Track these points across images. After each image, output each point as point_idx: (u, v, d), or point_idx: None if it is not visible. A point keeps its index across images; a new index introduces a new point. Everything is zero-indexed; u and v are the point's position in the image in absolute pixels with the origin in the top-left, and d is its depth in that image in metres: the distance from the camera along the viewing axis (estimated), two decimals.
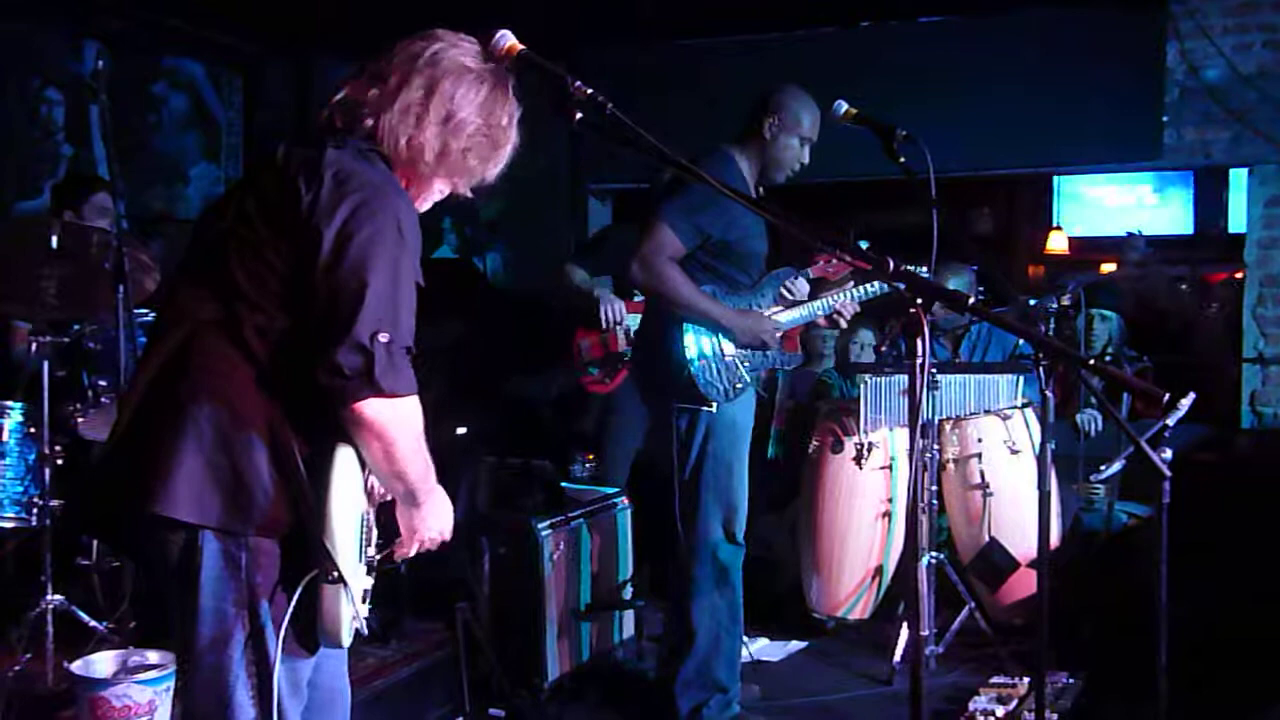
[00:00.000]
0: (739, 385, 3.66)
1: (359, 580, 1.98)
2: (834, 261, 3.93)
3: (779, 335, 3.74)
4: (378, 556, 2.10)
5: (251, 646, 1.89)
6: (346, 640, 1.96)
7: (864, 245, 2.03)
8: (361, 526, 1.98)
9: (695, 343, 3.62)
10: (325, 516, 1.86)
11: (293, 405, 1.87)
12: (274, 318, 1.87)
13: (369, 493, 2.05)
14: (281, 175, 1.91)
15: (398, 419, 1.86)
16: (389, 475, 1.95)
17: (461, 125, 1.98)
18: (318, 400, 1.83)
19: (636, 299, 5.14)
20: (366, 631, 2.00)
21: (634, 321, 5.08)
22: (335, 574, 1.87)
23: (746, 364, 3.68)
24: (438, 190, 2.08)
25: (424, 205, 2.09)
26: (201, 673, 1.90)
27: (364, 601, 2.00)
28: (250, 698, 1.89)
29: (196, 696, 1.93)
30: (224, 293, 1.88)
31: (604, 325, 5.09)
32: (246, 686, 1.89)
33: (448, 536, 2.14)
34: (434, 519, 2.09)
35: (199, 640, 1.88)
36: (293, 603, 1.88)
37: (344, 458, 1.90)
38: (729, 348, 3.65)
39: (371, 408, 1.82)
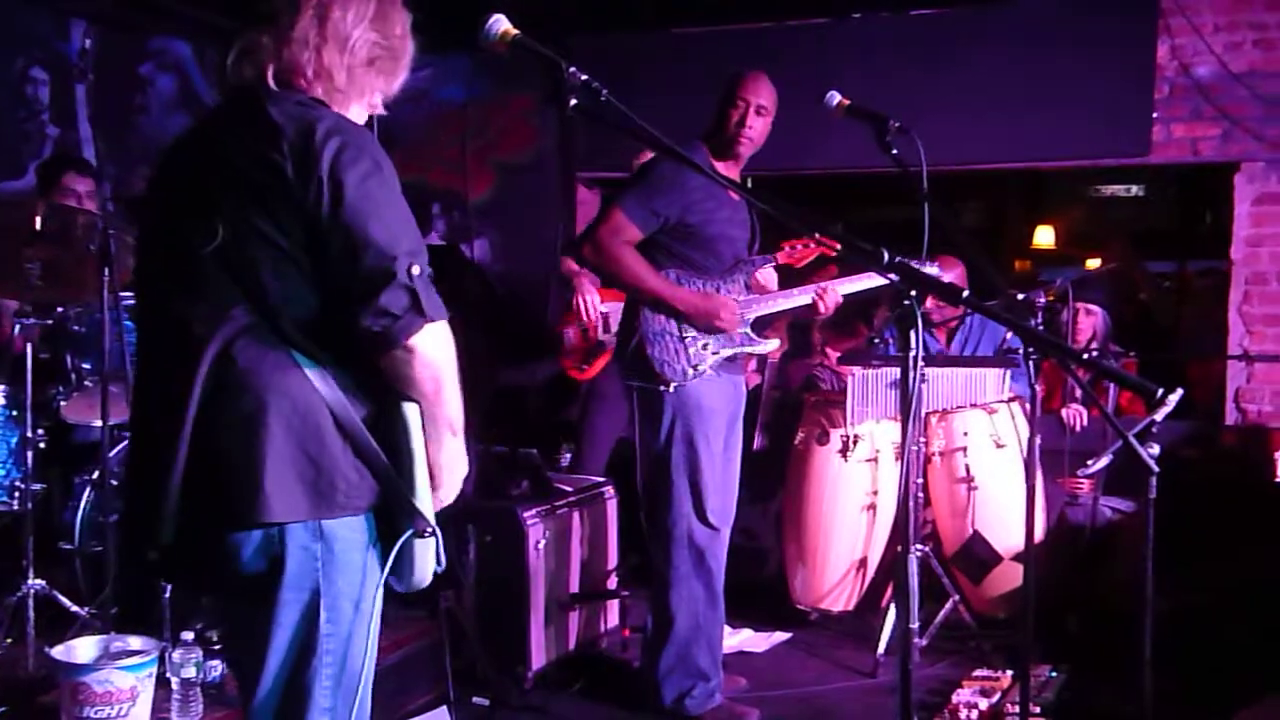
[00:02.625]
0: (699, 365, 3.65)
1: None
2: (799, 248, 3.91)
3: (744, 319, 3.71)
4: None
5: (332, 631, 1.89)
6: (428, 580, 1.98)
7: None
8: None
9: (650, 319, 3.63)
10: (412, 476, 1.89)
11: (347, 381, 1.87)
12: (307, 305, 1.86)
13: None
14: (244, 158, 1.86)
15: (445, 342, 1.87)
16: (439, 408, 1.94)
17: (358, 44, 1.99)
18: (367, 369, 1.85)
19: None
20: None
21: (608, 308, 5.12)
22: (429, 530, 1.89)
23: (707, 345, 3.67)
24: (356, 113, 2.06)
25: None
26: (280, 659, 1.89)
27: None
28: (326, 688, 1.90)
29: (280, 691, 1.91)
30: (248, 296, 1.85)
31: (580, 313, 5.11)
32: (329, 668, 1.90)
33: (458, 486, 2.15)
34: (459, 468, 2.07)
35: (279, 630, 1.88)
36: (386, 569, 1.90)
37: (409, 416, 1.90)
38: (688, 329, 3.65)
39: (423, 340, 1.82)
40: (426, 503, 1.92)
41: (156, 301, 1.99)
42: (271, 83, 1.94)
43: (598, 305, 5.14)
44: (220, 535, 1.85)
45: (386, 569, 1.91)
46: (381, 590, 1.93)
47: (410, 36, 2.07)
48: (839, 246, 1.83)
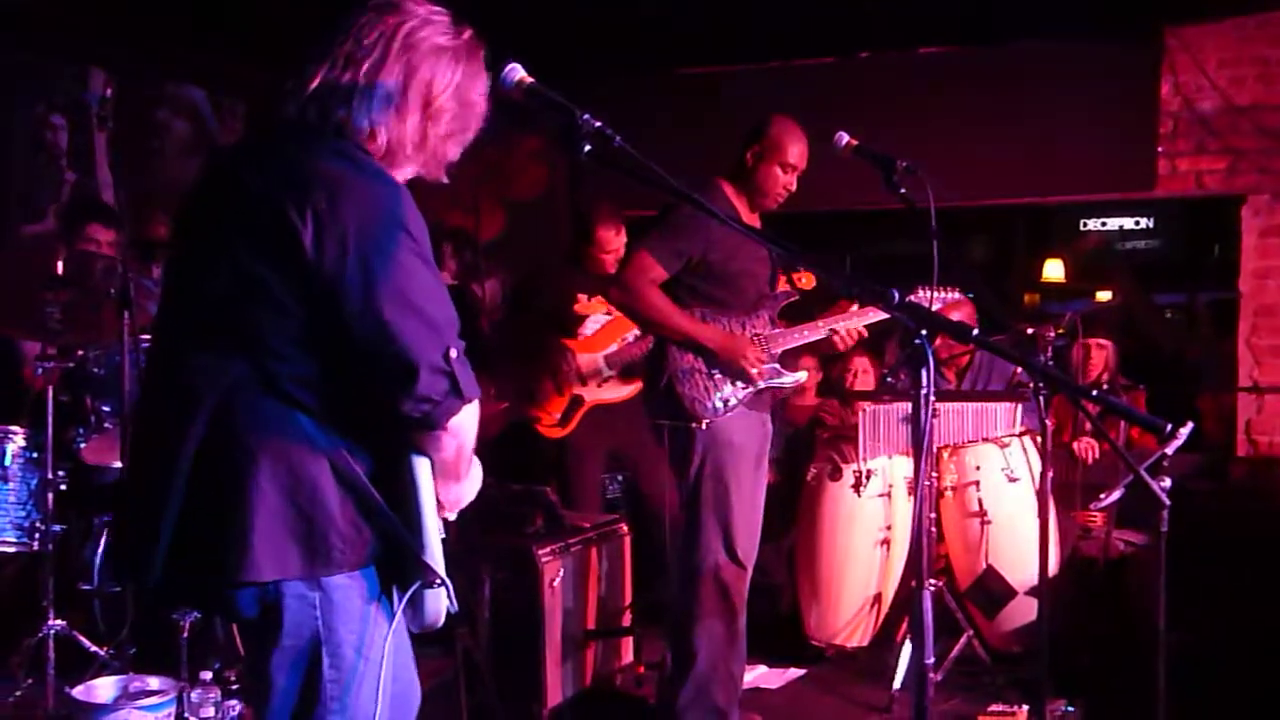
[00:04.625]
0: (729, 401, 3.67)
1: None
2: (803, 277, 3.93)
3: (771, 355, 3.72)
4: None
5: (336, 678, 1.87)
6: (441, 621, 1.97)
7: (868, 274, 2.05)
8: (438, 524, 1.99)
9: (679, 356, 3.66)
10: (421, 529, 1.88)
11: (350, 440, 1.84)
12: (306, 365, 1.81)
13: None
14: (265, 206, 1.80)
15: (472, 417, 1.88)
16: (455, 466, 1.96)
17: (440, 112, 1.95)
18: (373, 429, 1.84)
19: (583, 336, 5.02)
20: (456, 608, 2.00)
21: (580, 360, 4.99)
22: (438, 581, 1.88)
23: (737, 382, 3.69)
24: (410, 174, 2.02)
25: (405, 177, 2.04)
26: (287, 710, 1.88)
27: None
28: None
29: None
30: (248, 349, 1.81)
31: (559, 366, 4.97)
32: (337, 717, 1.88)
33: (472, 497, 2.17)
34: (473, 487, 2.10)
35: (283, 679, 1.87)
36: (394, 621, 1.88)
37: (419, 470, 1.89)
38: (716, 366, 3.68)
39: (458, 419, 1.84)
40: (436, 553, 1.90)
41: (164, 343, 1.98)
42: (330, 126, 1.88)
43: (572, 357, 4.97)
44: (220, 584, 1.82)
45: (395, 621, 1.89)
46: (392, 641, 1.89)
47: (484, 102, 2.02)
48: (855, 296, 1.85)
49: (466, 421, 1.86)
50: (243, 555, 1.76)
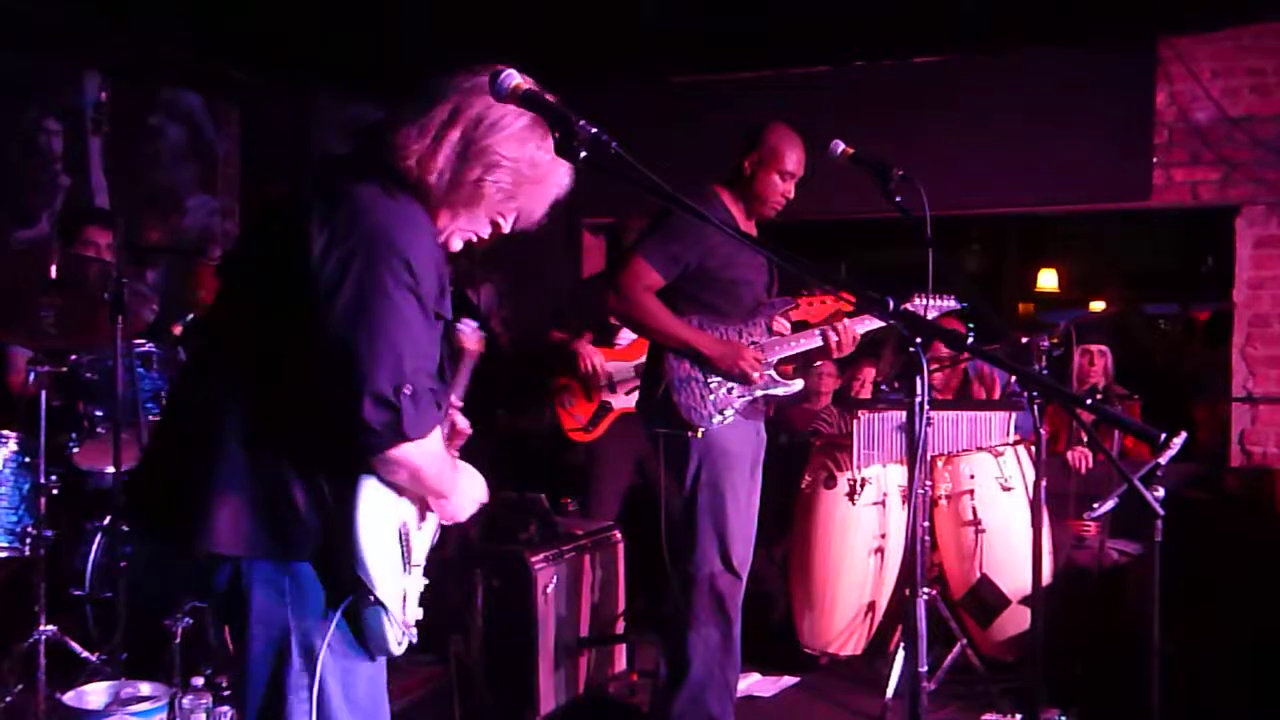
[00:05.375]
0: (724, 410, 3.67)
1: (410, 584, 2.04)
2: (815, 304, 3.92)
3: (768, 362, 3.73)
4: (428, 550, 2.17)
5: (305, 667, 1.92)
6: (397, 650, 2.01)
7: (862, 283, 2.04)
8: (401, 541, 2.02)
9: (675, 365, 3.65)
10: (354, 548, 1.90)
11: (317, 445, 1.89)
12: (298, 368, 1.88)
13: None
14: (294, 221, 1.89)
15: (424, 454, 1.89)
16: (415, 491, 2.02)
17: (482, 153, 1.95)
18: (340, 441, 1.87)
19: (618, 345, 5.17)
20: (415, 640, 2.04)
21: (612, 368, 5.13)
22: (372, 598, 1.92)
23: (732, 390, 3.69)
24: (463, 226, 2.03)
25: (454, 243, 2.06)
26: (259, 694, 1.93)
27: (417, 605, 2.08)
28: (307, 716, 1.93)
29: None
30: (254, 345, 1.92)
31: (586, 372, 5.14)
32: (304, 705, 1.92)
33: (483, 500, 2.23)
34: (465, 501, 2.16)
35: (253, 663, 1.93)
36: (332, 625, 1.92)
37: (369, 490, 1.93)
38: (712, 374, 3.68)
39: (401, 451, 1.85)
40: (379, 569, 1.92)
41: (197, 348, 2.12)
42: (380, 158, 1.94)
43: (603, 364, 5.16)
44: (188, 551, 1.91)
45: (328, 635, 1.92)
46: (327, 643, 1.92)
47: (556, 165, 2.00)
48: (855, 300, 1.85)
49: (416, 455, 1.88)
50: (204, 527, 1.86)
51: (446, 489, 2.07)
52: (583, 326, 5.25)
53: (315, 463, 1.89)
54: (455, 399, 2.30)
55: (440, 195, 1.97)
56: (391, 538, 1.98)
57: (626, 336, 5.16)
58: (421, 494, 2.05)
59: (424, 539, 2.13)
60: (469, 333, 2.53)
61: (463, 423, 2.26)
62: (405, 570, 2.03)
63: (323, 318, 1.82)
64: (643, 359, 5.02)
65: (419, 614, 2.08)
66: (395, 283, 1.83)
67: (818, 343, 3.81)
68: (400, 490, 1.99)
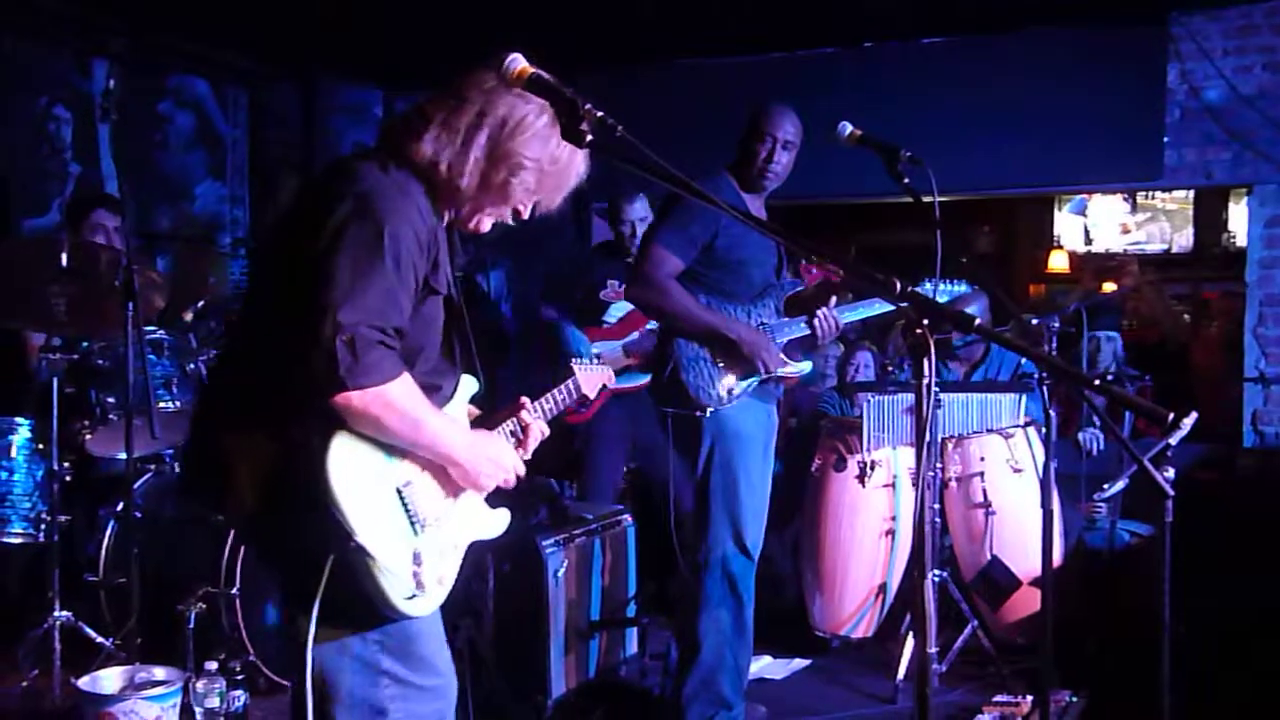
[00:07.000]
0: (734, 390, 3.66)
1: (423, 545, 2.07)
2: (814, 270, 3.91)
3: (778, 344, 3.71)
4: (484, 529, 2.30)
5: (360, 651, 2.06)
6: (407, 606, 2.03)
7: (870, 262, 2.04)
8: (401, 500, 2.05)
9: (684, 345, 3.64)
10: (327, 493, 1.92)
11: (300, 403, 1.95)
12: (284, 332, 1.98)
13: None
14: (303, 202, 2.04)
15: (380, 405, 1.93)
16: (391, 443, 2.03)
17: (507, 156, 2.05)
18: (298, 389, 1.95)
19: (605, 324, 5.14)
20: (422, 592, 2.05)
21: (600, 347, 5.09)
22: (352, 544, 1.94)
23: (739, 372, 3.67)
24: (489, 214, 2.15)
25: (484, 225, 2.17)
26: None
27: (450, 569, 2.15)
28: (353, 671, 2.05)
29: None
30: (268, 320, 2.02)
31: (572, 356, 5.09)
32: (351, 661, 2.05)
33: (519, 472, 2.29)
34: (482, 468, 2.18)
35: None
36: (324, 578, 1.96)
37: (341, 438, 1.96)
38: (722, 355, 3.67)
39: (349, 400, 1.90)
40: (365, 521, 1.95)
41: (232, 333, 2.23)
42: (394, 147, 2.05)
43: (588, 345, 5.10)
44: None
45: (323, 582, 1.96)
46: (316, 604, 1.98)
47: (576, 157, 2.12)
48: (847, 277, 1.85)
49: (372, 404, 1.92)
50: (223, 494, 2.01)
51: (438, 448, 2.08)
52: (571, 304, 5.20)
53: (295, 414, 1.95)
54: (527, 400, 2.46)
55: (470, 195, 2.08)
56: (382, 492, 2.02)
57: (614, 315, 5.11)
58: (403, 449, 2.05)
59: (448, 506, 2.16)
60: (591, 376, 2.77)
61: (537, 425, 2.40)
62: (415, 531, 2.06)
63: (299, 268, 1.92)
64: (632, 337, 5.06)
65: (447, 573, 2.12)
66: (356, 240, 1.91)
67: (805, 331, 3.81)
68: (391, 450, 2.03)
